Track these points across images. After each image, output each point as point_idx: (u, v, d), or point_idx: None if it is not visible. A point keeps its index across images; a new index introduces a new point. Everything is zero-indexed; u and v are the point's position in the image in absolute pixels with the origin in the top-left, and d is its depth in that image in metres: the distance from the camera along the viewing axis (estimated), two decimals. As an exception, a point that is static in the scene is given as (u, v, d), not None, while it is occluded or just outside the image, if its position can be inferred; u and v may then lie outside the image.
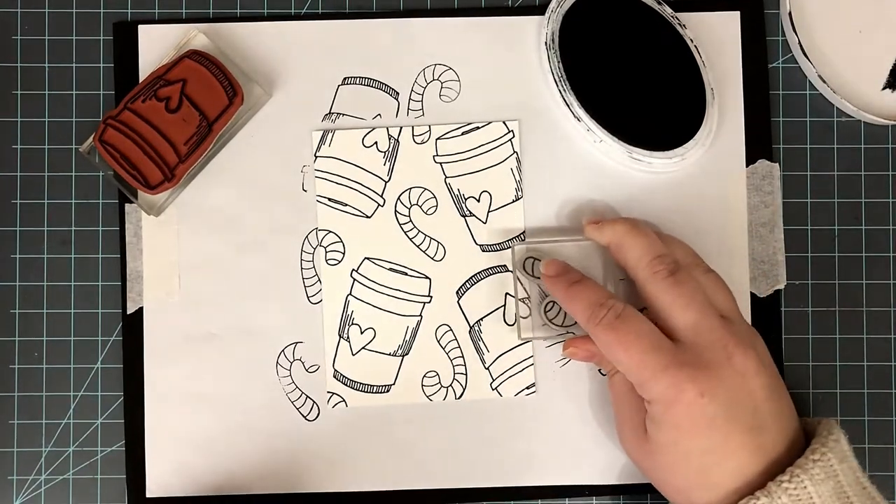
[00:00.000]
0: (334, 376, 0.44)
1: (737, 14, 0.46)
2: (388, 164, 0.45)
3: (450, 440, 0.44)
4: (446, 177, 0.45)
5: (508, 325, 0.44)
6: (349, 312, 0.44)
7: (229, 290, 0.45)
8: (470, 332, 0.44)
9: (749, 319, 0.45)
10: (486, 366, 0.44)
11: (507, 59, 0.46)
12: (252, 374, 0.45)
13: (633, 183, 0.45)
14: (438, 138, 0.45)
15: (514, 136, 0.45)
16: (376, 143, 0.45)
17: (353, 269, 0.44)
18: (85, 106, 0.45)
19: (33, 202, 0.45)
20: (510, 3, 0.46)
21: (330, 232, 0.44)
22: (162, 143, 0.43)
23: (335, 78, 0.45)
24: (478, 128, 0.45)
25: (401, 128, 0.45)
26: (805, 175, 0.46)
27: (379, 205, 0.44)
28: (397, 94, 0.45)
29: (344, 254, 0.44)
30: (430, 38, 0.46)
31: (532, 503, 0.45)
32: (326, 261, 0.44)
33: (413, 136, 0.45)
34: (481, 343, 0.44)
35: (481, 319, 0.44)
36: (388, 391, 0.44)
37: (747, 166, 0.45)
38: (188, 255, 0.45)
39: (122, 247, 0.45)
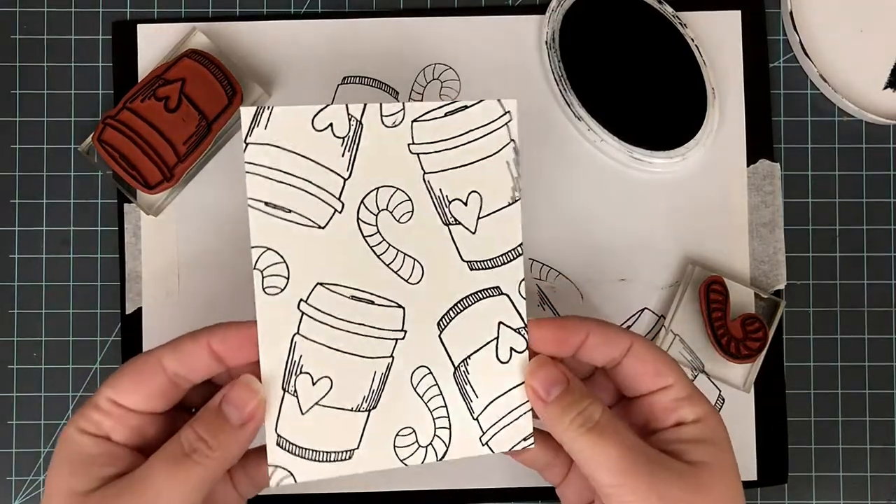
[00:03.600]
0: (278, 444, 0.32)
1: (737, 13, 0.46)
2: (347, 154, 0.33)
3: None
4: (425, 172, 0.34)
5: (502, 362, 0.35)
6: (296, 358, 0.33)
7: (229, 289, 0.45)
8: (455, 373, 0.34)
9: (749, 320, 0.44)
10: (475, 416, 0.34)
11: (507, 59, 0.45)
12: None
13: (634, 183, 0.45)
14: (414, 120, 0.34)
15: (511, 119, 0.34)
16: (331, 125, 0.33)
17: (302, 300, 0.33)
18: (84, 106, 0.45)
19: (32, 202, 0.45)
20: (510, 2, 0.46)
21: (268, 250, 0.33)
22: (161, 143, 0.42)
23: (335, 78, 0.45)
24: (466, 107, 0.34)
25: (364, 105, 0.33)
26: (806, 175, 0.46)
27: (336, 211, 0.33)
28: (397, 93, 0.45)
29: (288, 279, 0.33)
30: (430, 38, 0.46)
31: (532, 504, 0.45)
32: (264, 289, 0.33)
33: (381, 116, 0.34)
34: (468, 387, 0.34)
35: (469, 357, 0.34)
36: (350, 457, 0.33)
37: (748, 166, 0.45)
38: (187, 255, 0.45)
39: (121, 247, 0.45)
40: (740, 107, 0.45)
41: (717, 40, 0.45)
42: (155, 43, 0.45)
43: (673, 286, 0.45)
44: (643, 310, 0.45)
